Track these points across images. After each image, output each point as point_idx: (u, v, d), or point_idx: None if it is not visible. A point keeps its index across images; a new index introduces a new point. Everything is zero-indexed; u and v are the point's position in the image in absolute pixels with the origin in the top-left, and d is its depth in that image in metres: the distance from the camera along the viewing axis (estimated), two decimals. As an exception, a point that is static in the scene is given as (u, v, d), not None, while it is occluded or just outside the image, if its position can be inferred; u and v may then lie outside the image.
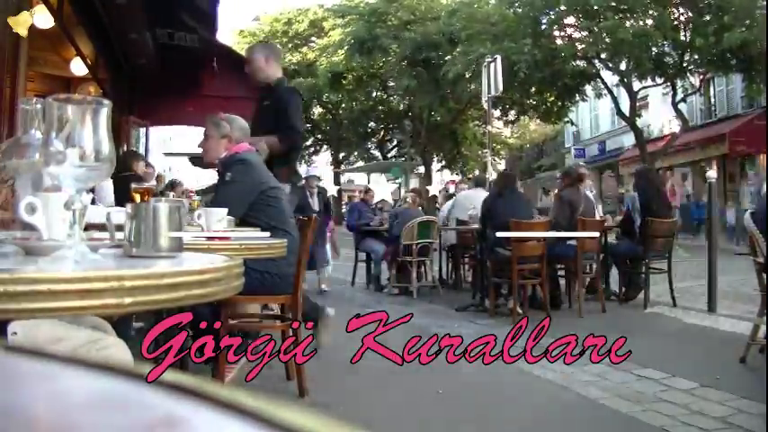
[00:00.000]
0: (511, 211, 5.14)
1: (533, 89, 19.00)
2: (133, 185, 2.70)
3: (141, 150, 9.52)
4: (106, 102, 0.93)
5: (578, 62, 18.15)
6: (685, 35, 16.27)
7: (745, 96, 18.34)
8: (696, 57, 16.20)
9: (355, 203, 7.75)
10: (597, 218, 6.00)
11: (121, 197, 3.23)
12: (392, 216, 7.16)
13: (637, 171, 6.72)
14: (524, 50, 15.75)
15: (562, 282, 5.96)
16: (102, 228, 1.19)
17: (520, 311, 5.11)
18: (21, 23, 3.89)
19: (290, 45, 25.43)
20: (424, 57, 19.67)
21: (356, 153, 28.49)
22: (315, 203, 6.56)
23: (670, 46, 16.51)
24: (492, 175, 11.09)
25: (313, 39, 25.55)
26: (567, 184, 6.06)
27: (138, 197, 2.56)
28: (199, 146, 3.31)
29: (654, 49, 16.33)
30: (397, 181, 23.28)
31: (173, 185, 7.82)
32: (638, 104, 18.95)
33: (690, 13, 16.21)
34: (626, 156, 22.72)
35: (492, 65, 11.40)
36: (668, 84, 17.60)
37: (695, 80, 17.47)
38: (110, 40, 6.49)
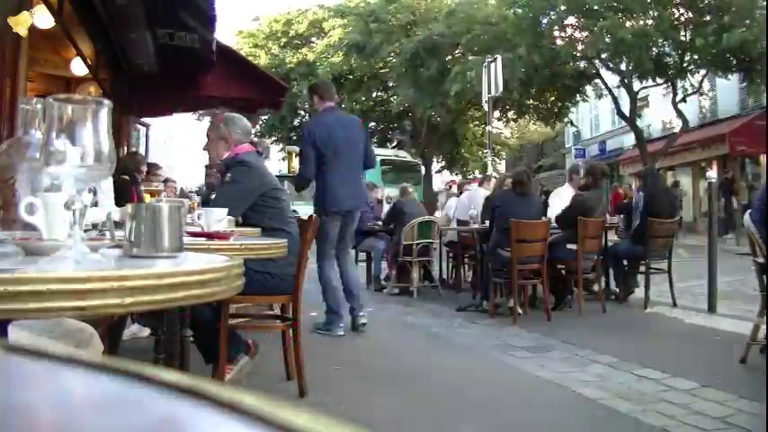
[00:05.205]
0: (526, 212, 5.10)
1: (533, 89, 19.00)
2: (143, 187, 2.74)
3: (141, 150, 9.53)
4: (106, 102, 0.93)
5: (578, 62, 18.16)
6: (685, 35, 16.26)
7: (746, 96, 18.35)
8: (696, 57, 16.19)
9: None
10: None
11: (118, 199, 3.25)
12: (397, 209, 7.03)
13: (642, 172, 6.64)
14: (521, 56, 15.74)
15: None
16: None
17: (520, 311, 5.11)
18: (21, 23, 3.89)
19: (289, 46, 25.40)
20: (427, 65, 19.61)
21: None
22: None
23: (670, 46, 16.51)
24: (492, 175, 11.08)
25: (313, 39, 25.53)
26: (587, 184, 5.75)
27: (147, 197, 2.58)
28: (203, 149, 3.36)
29: (654, 49, 16.32)
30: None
31: (165, 182, 7.78)
32: (638, 104, 18.95)
33: (690, 13, 16.21)
34: (626, 156, 22.73)
35: (492, 65, 11.42)
36: (668, 84, 17.60)
37: (695, 80, 17.46)
38: (110, 40, 6.48)
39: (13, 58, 4.08)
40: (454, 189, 11.14)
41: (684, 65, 16.71)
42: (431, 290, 6.79)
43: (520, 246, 4.95)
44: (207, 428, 0.25)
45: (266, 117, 23.28)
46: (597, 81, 19.06)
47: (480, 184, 7.57)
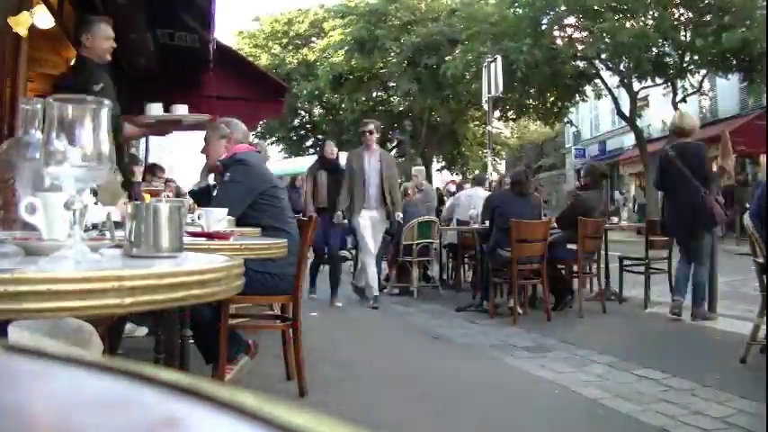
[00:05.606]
0: (526, 212, 5.10)
1: (533, 89, 19.00)
2: (143, 187, 2.74)
3: (141, 151, 9.52)
4: (106, 102, 0.93)
5: (578, 62, 18.15)
6: (685, 35, 16.26)
7: (746, 96, 18.35)
8: (696, 57, 16.19)
9: None
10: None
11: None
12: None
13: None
14: (523, 50, 15.75)
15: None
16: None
17: (520, 311, 5.11)
18: (21, 23, 3.89)
19: (290, 46, 25.39)
20: (425, 61, 19.62)
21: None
22: None
23: (670, 46, 16.51)
24: (492, 175, 11.08)
25: (313, 39, 25.53)
26: (587, 185, 5.77)
27: (147, 197, 2.58)
28: (201, 152, 3.35)
29: (654, 49, 16.33)
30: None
31: (152, 170, 6.62)
32: (638, 104, 18.94)
33: (690, 14, 16.21)
34: (626, 156, 22.73)
35: (492, 65, 11.42)
36: (668, 84, 17.60)
37: (695, 80, 17.46)
38: (110, 41, 6.47)
39: (13, 58, 4.08)
40: (451, 188, 11.11)
41: (684, 65, 16.71)
42: (431, 290, 6.79)
43: (520, 246, 4.95)
44: (207, 428, 0.25)
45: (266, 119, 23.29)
46: (597, 81, 19.05)
47: (479, 184, 7.57)
